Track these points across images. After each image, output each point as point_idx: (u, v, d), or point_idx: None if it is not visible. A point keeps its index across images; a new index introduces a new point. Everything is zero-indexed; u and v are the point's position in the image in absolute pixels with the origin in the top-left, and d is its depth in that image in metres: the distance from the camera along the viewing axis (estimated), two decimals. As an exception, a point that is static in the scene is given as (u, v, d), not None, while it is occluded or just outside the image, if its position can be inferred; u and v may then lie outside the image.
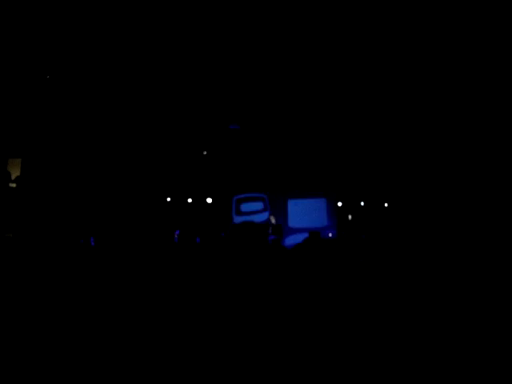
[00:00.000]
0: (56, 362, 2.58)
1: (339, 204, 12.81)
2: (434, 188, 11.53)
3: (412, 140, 11.57)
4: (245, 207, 13.32)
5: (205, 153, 13.02)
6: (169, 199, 12.84)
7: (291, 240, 12.06)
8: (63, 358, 2.64)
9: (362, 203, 12.55)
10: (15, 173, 10.24)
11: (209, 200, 12.88)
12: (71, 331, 3.09)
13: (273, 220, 10.51)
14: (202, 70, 9.94)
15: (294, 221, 13.19)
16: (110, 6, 8.08)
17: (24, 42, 8.79)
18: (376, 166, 12.50)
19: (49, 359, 2.61)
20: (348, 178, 12.90)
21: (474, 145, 10.67)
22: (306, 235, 12.65)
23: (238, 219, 13.03)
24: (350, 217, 11.16)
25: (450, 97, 10.10)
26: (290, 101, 10.84)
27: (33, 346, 2.81)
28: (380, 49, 8.81)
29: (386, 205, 12.49)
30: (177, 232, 10.92)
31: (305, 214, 13.20)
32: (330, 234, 12.27)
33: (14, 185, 9.88)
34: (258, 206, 13.26)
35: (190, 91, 10.74)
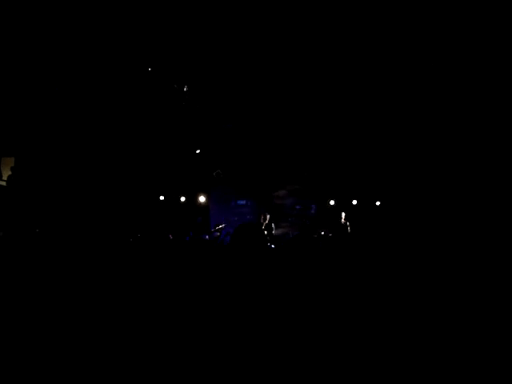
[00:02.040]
0: (50, 361, 2.59)
1: (331, 202, 12.87)
2: (428, 186, 11.60)
3: (404, 138, 11.62)
4: None
5: (198, 151, 13.04)
6: (162, 198, 12.85)
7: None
8: (57, 357, 2.65)
9: (355, 202, 12.60)
10: (7, 172, 10.24)
11: (202, 199, 12.90)
12: (63, 332, 3.09)
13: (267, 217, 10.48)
14: (198, 69, 9.95)
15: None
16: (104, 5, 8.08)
17: (17, 41, 8.76)
18: (368, 164, 12.56)
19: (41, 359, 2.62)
20: (341, 177, 12.96)
21: (465, 142, 10.73)
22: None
23: None
24: (343, 215, 11.21)
25: (442, 93, 10.14)
26: (282, 100, 10.87)
27: (23, 347, 2.81)
28: (371, 46, 8.83)
29: (377, 203, 12.55)
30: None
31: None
32: (323, 232, 12.31)
33: (4, 183, 9.88)
34: None
35: (183, 90, 10.75)
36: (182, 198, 13.00)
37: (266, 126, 12.29)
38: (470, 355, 2.41)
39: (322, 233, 12.32)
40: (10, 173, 10.28)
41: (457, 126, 10.64)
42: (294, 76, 9.94)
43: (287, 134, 12.51)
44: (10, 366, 2.41)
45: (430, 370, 2.35)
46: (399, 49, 8.90)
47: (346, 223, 11.10)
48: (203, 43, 8.92)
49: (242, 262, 2.33)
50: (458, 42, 8.38)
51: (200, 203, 13.03)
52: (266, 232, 9.69)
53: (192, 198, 13.06)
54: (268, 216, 10.43)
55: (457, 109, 10.34)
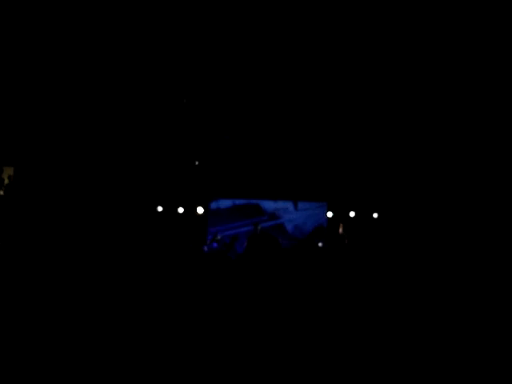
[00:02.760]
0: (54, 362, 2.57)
1: (329, 214, 12.88)
2: (428, 198, 11.62)
3: (405, 148, 11.68)
4: None
5: (197, 163, 13.08)
6: (160, 209, 12.85)
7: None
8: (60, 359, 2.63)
9: (353, 214, 12.61)
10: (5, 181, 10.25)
11: (200, 210, 12.89)
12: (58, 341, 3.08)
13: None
14: (196, 81, 10.02)
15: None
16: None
17: (17, 50, 8.82)
18: (366, 175, 12.60)
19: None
20: (339, 188, 12.99)
21: (469, 155, 10.76)
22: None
23: None
24: (341, 227, 11.20)
25: (446, 107, 10.17)
26: (279, 110, 10.94)
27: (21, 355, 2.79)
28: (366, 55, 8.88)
29: (375, 215, 12.56)
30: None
31: (294, 220, 13.33)
32: (320, 244, 12.30)
33: (1, 192, 9.87)
34: None
35: (181, 101, 10.81)
36: (181, 210, 13.00)
37: (264, 138, 12.36)
38: (470, 355, 2.41)
39: (320, 244, 12.31)
40: (7, 182, 10.29)
41: (457, 138, 10.69)
42: (292, 87, 10.02)
43: (284, 145, 12.57)
44: (11, 366, 2.40)
45: (429, 370, 2.34)
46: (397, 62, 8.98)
47: (343, 235, 11.09)
48: (202, 54, 9.00)
49: (256, 270, 2.34)
50: (459, 42, 8.35)
51: (198, 215, 13.02)
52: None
53: (190, 210, 13.06)
54: (260, 227, 10.50)
55: (457, 120, 10.38)
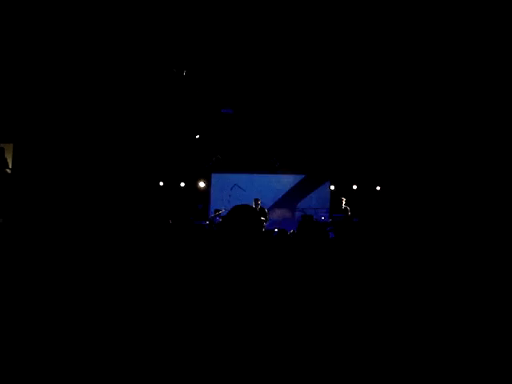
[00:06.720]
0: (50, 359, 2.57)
1: (332, 187, 12.84)
2: (430, 171, 11.55)
3: (407, 124, 11.55)
4: None
5: (197, 136, 12.98)
6: (161, 184, 12.84)
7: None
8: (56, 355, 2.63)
9: (355, 186, 12.57)
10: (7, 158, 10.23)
11: (202, 184, 12.88)
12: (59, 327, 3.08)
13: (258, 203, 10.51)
14: (197, 52, 9.84)
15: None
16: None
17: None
18: (369, 148, 12.50)
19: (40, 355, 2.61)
20: (341, 161, 12.92)
21: (469, 131, 10.65)
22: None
23: None
24: (343, 200, 11.18)
25: (444, 85, 10.02)
26: (282, 83, 10.78)
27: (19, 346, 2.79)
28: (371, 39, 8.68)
29: (378, 188, 12.51)
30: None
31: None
32: (323, 217, 12.33)
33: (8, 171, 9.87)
34: None
35: (182, 75, 10.64)
36: (182, 184, 12.99)
37: (266, 111, 12.22)
38: (470, 355, 2.40)
39: (323, 217, 12.34)
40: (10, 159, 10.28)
41: (460, 115, 10.55)
42: (295, 59, 9.83)
43: (287, 118, 12.44)
44: (9, 363, 2.40)
45: (430, 370, 2.33)
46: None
47: (346, 208, 11.09)
48: (203, 26, 8.79)
49: (234, 246, 2.28)
50: (459, 43, 8.25)
51: (200, 189, 13.02)
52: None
53: (192, 184, 13.05)
54: (260, 201, 10.52)
55: (458, 99, 10.23)
